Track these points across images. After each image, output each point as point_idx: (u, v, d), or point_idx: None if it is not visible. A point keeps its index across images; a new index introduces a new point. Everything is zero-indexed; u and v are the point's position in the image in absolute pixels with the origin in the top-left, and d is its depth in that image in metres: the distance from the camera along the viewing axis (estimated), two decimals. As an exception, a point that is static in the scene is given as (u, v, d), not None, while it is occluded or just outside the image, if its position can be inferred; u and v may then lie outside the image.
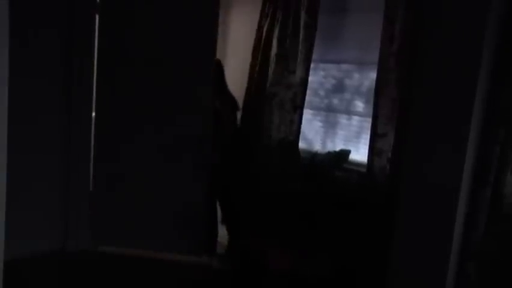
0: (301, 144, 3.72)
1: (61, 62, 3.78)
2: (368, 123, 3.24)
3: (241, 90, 4.10)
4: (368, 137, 3.17)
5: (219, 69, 3.83)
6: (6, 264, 2.22)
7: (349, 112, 3.55)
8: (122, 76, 3.88)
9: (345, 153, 3.43)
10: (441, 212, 2.44)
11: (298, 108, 3.60)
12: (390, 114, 3.03)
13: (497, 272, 2.45)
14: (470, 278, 2.45)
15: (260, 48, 3.73)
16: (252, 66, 3.82)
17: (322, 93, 3.73)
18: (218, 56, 3.93)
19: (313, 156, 3.54)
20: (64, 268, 3.78)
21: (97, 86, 3.91)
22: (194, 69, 3.86)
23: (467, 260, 2.45)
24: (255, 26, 3.82)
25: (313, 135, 3.77)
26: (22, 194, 3.58)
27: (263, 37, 3.71)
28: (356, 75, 3.50)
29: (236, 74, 4.21)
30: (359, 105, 3.48)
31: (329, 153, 3.50)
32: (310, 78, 3.59)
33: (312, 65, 3.57)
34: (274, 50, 3.64)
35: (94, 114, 3.97)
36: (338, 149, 3.52)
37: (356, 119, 3.50)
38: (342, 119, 3.59)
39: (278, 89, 3.64)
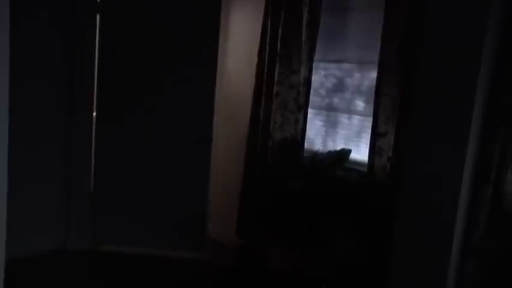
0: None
1: (63, 62, 3.80)
2: (368, 123, 3.24)
3: (240, 90, 4.12)
4: (369, 136, 3.17)
5: None
6: (7, 263, 2.22)
7: (350, 111, 3.55)
8: (124, 76, 3.89)
9: (345, 153, 3.43)
10: (442, 210, 2.44)
11: (302, 108, 3.61)
12: (391, 114, 3.03)
13: (497, 270, 2.45)
14: (470, 276, 2.45)
15: (266, 49, 3.73)
16: (258, 66, 3.82)
17: (323, 92, 3.74)
18: (219, 56, 3.94)
19: (314, 155, 3.55)
20: (65, 267, 3.79)
21: (98, 85, 3.92)
22: (196, 69, 3.88)
23: (467, 258, 2.45)
24: (256, 26, 3.83)
25: (314, 134, 3.78)
26: (23, 193, 3.59)
27: (268, 37, 3.71)
28: (357, 75, 3.51)
29: (237, 74, 4.22)
30: (360, 104, 3.48)
31: (330, 152, 3.50)
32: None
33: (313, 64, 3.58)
34: (277, 49, 3.64)
35: (95, 114, 3.98)
36: (338, 148, 3.52)
37: (356, 118, 3.51)
38: (343, 118, 3.59)
39: (281, 89, 3.64)
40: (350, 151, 3.43)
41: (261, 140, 3.80)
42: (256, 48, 3.81)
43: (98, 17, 3.87)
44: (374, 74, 3.15)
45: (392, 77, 3.01)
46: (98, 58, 3.91)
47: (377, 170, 3.10)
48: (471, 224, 2.44)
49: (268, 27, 3.70)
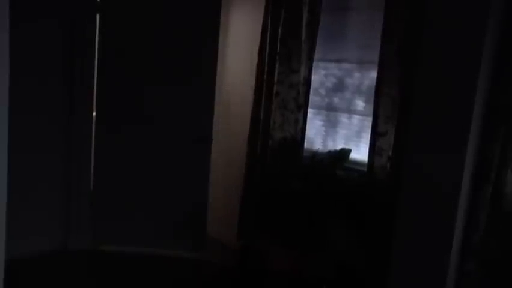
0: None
1: (63, 62, 3.80)
2: (368, 122, 3.24)
3: (240, 89, 4.12)
4: (369, 136, 3.17)
5: None
6: (7, 263, 2.23)
7: (350, 111, 3.55)
8: (123, 75, 3.89)
9: (345, 152, 3.43)
10: (442, 210, 2.44)
11: (302, 107, 3.61)
12: (391, 113, 3.03)
13: (497, 270, 2.45)
14: (470, 276, 2.45)
15: (266, 48, 3.73)
16: (258, 66, 3.82)
17: (323, 92, 3.73)
18: (219, 55, 3.94)
19: (314, 155, 3.55)
20: (65, 267, 3.79)
21: (98, 85, 3.92)
22: (195, 68, 3.87)
23: (467, 258, 2.45)
24: (256, 25, 3.83)
25: (314, 134, 3.78)
26: (23, 193, 3.59)
27: (268, 37, 3.71)
28: (357, 74, 3.50)
29: (237, 74, 4.21)
30: (360, 104, 3.48)
31: (330, 152, 3.50)
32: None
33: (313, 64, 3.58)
34: (277, 49, 3.64)
35: (94, 113, 3.98)
36: (338, 148, 3.52)
37: (356, 118, 3.50)
38: (343, 118, 3.59)
39: (281, 88, 3.65)
40: (349, 151, 3.43)
41: (261, 139, 3.80)
42: (256, 48, 3.81)
43: (98, 16, 3.86)
44: (374, 74, 3.15)
45: (392, 77, 3.01)
46: (98, 58, 3.90)
47: (377, 169, 3.10)
48: (471, 224, 2.44)
49: (268, 27, 3.70)
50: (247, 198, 3.92)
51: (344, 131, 3.59)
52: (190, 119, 3.92)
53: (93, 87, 3.91)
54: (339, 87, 3.62)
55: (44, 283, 3.48)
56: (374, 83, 3.11)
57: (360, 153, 3.41)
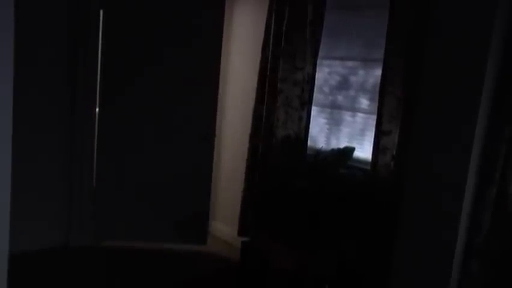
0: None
1: (67, 59, 3.79)
2: (372, 121, 3.22)
3: (243, 87, 4.11)
4: (373, 134, 3.16)
5: None
6: (9, 259, 2.22)
7: (354, 109, 3.54)
8: (126, 72, 3.88)
9: (349, 151, 3.42)
10: (446, 210, 2.43)
11: (306, 105, 3.60)
12: (395, 112, 3.01)
13: (500, 270, 2.44)
14: (473, 276, 2.44)
15: (269, 46, 3.72)
16: (262, 63, 3.80)
17: (327, 90, 3.72)
18: (222, 54, 3.93)
19: (318, 153, 3.54)
20: (67, 263, 3.80)
21: (101, 81, 3.92)
22: (199, 66, 3.86)
23: (471, 258, 2.44)
24: (260, 22, 3.81)
25: (318, 132, 3.77)
26: (26, 190, 3.59)
27: (271, 34, 3.70)
28: (361, 72, 3.49)
29: (240, 71, 4.20)
30: (364, 102, 3.47)
31: (333, 150, 3.49)
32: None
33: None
34: (281, 46, 3.63)
35: (97, 110, 3.97)
36: (342, 146, 3.51)
37: (360, 116, 3.49)
38: (347, 116, 3.58)
39: (284, 86, 3.63)
40: (353, 149, 3.42)
41: (264, 137, 3.79)
42: (259, 45, 3.80)
43: (101, 12, 3.85)
44: (378, 72, 3.14)
45: (397, 76, 2.99)
46: (102, 54, 3.89)
47: (381, 168, 3.09)
48: (475, 224, 2.43)
49: (272, 24, 3.69)
50: (249, 195, 3.92)
51: (347, 129, 3.57)
52: (193, 117, 3.91)
53: (96, 84, 3.90)
54: (343, 85, 3.61)
55: (46, 279, 3.49)
56: (379, 81, 3.10)
57: (364, 151, 3.40)
